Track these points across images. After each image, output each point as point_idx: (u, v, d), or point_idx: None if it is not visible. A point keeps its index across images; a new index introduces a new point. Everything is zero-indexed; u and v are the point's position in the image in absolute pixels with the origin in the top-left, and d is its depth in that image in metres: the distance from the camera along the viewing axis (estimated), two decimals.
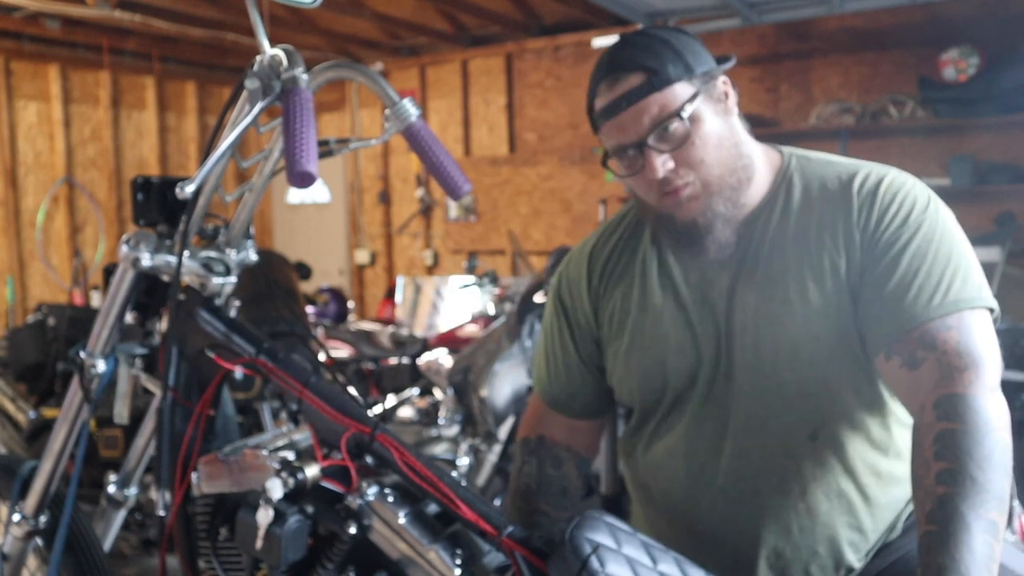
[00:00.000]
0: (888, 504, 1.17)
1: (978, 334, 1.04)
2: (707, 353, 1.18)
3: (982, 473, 0.92)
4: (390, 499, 1.12)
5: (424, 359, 3.42)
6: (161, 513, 1.28)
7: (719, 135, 1.13)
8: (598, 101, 1.16)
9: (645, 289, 1.25)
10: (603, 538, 0.98)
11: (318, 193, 7.26)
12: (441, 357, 3.30)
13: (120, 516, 1.57)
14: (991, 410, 0.97)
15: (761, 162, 1.21)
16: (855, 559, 1.16)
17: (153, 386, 1.42)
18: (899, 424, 1.17)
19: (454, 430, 3.10)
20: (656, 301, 1.23)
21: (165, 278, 1.38)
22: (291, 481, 1.11)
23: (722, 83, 1.17)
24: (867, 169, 1.17)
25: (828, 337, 1.11)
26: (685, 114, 1.10)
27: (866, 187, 1.14)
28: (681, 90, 1.11)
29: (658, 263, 1.25)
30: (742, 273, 1.18)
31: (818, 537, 1.15)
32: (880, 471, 1.16)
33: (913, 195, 1.12)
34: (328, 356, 1.41)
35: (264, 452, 1.17)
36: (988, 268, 4.21)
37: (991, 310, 1.08)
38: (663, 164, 1.11)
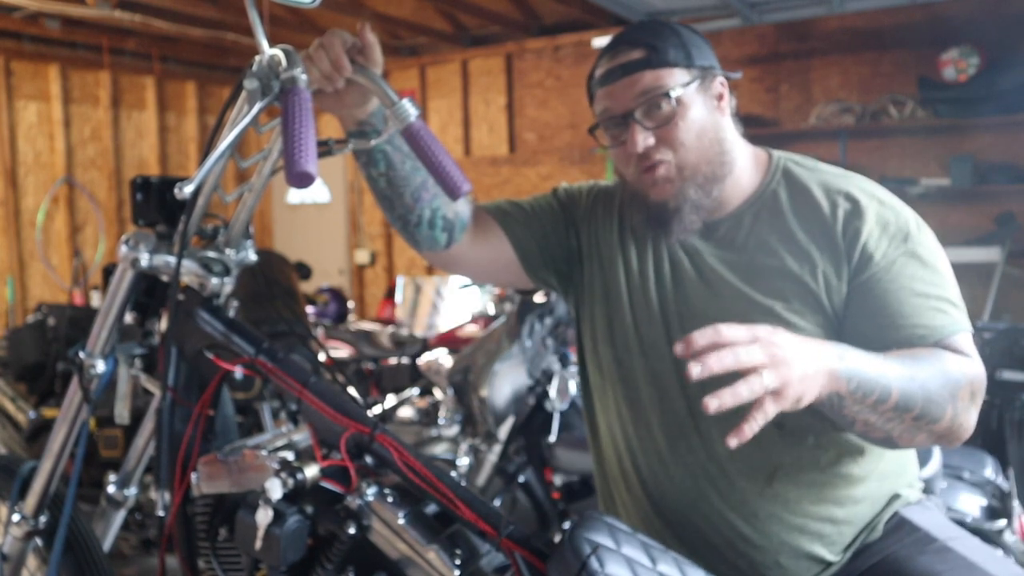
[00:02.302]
0: (862, 498, 1.18)
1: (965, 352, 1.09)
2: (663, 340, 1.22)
3: (967, 382, 1.04)
4: (389, 499, 1.12)
5: (424, 359, 3.41)
6: (161, 513, 1.28)
7: (703, 125, 1.18)
8: (598, 70, 1.22)
9: (624, 271, 1.28)
10: (602, 538, 0.98)
11: (318, 193, 7.25)
12: (441, 357, 3.29)
13: (120, 516, 1.57)
14: (983, 373, 1.09)
15: (748, 164, 1.23)
16: (828, 552, 1.17)
17: (153, 386, 1.41)
18: None
19: (454, 430, 3.09)
20: (623, 287, 1.27)
21: (164, 278, 1.38)
22: (290, 481, 1.11)
23: (719, 84, 1.21)
24: (857, 188, 1.18)
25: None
26: (674, 94, 1.15)
27: (854, 210, 1.16)
28: (676, 74, 1.16)
29: (636, 248, 1.28)
30: (716, 268, 1.20)
31: (786, 525, 1.16)
32: (849, 463, 1.17)
33: (903, 219, 1.15)
34: (328, 356, 1.41)
35: (263, 452, 1.17)
36: (988, 268, 4.23)
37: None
38: (644, 139, 1.16)
